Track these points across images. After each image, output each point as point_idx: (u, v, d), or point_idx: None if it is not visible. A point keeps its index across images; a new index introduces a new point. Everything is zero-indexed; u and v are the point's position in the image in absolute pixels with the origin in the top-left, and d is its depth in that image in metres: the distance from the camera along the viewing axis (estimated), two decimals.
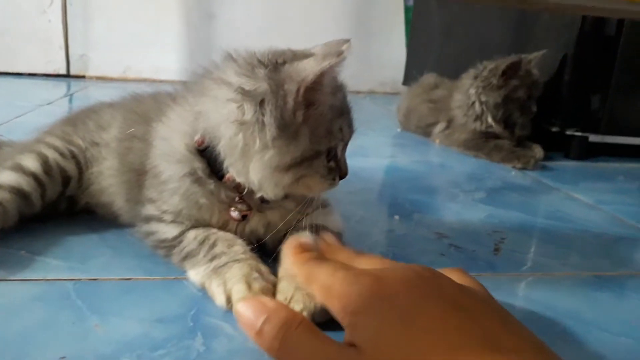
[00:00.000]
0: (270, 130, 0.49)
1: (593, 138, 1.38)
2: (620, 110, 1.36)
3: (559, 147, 1.42)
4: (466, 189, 1.05)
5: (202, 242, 0.56)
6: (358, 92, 2.63)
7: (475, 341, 0.32)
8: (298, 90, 0.48)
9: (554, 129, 1.39)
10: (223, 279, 0.51)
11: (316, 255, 0.43)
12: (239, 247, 0.55)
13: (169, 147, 0.57)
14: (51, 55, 2.40)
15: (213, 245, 0.55)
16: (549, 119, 1.38)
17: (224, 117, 0.51)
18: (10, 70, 2.35)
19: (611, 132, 1.38)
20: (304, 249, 0.43)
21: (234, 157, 0.52)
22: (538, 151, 1.31)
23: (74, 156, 0.69)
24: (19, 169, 0.65)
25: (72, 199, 0.71)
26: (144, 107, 0.69)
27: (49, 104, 1.68)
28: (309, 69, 0.48)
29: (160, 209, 0.58)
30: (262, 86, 0.49)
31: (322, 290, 0.39)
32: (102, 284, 0.55)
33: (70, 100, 1.85)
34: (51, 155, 0.68)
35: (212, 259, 0.54)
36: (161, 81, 2.47)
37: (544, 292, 0.61)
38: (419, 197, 0.96)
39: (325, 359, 0.35)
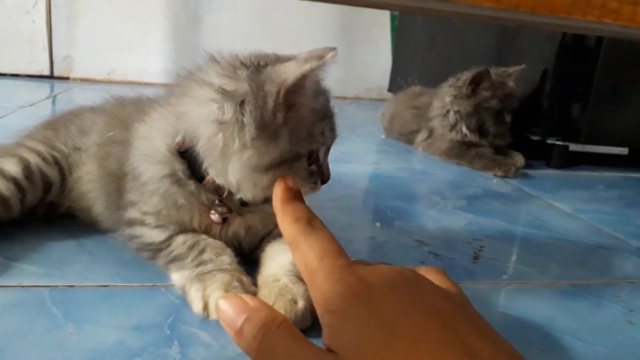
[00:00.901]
0: (250, 131, 0.48)
1: (573, 147, 1.41)
2: (600, 120, 1.38)
3: (540, 156, 1.44)
4: (447, 196, 1.06)
5: (191, 247, 0.56)
6: (344, 98, 2.65)
7: (455, 352, 0.32)
8: (278, 92, 0.47)
9: (535, 138, 1.41)
10: (204, 284, 0.52)
11: (307, 213, 0.41)
12: (227, 257, 0.55)
13: (150, 147, 0.57)
14: (34, 56, 2.38)
15: (202, 251, 0.56)
16: (530, 127, 1.40)
17: (204, 117, 0.50)
18: None
19: (591, 141, 1.41)
20: (295, 195, 0.43)
21: (213, 157, 0.51)
22: (519, 159, 1.33)
23: (56, 162, 0.68)
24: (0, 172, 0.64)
25: (52, 204, 0.70)
26: (126, 112, 0.68)
27: (31, 105, 1.66)
28: (289, 71, 0.47)
29: (141, 211, 0.58)
30: (243, 87, 0.49)
31: (305, 270, 0.38)
32: (79, 291, 0.54)
33: (53, 102, 1.83)
34: (33, 160, 0.67)
35: (198, 265, 0.54)
36: (146, 84, 2.46)
37: (520, 300, 0.62)
38: (401, 204, 0.96)
39: None
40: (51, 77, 2.41)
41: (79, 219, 0.71)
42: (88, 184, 0.67)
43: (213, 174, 0.52)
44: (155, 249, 0.57)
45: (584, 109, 1.36)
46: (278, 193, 0.43)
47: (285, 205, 0.42)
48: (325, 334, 0.35)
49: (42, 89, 2.10)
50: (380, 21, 2.61)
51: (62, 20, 2.37)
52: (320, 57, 0.49)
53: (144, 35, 2.43)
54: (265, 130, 0.49)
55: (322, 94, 0.55)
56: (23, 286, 0.54)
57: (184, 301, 0.54)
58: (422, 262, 0.70)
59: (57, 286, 0.54)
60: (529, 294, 0.64)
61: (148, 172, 0.57)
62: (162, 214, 0.57)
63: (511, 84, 1.32)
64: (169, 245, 0.57)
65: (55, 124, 0.74)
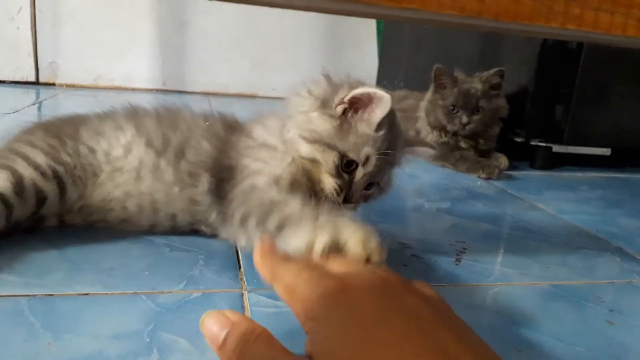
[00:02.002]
0: (316, 102, 0.63)
1: (557, 148, 1.42)
2: (583, 121, 1.40)
3: (525, 157, 1.46)
4: (432, 198, 1.06)
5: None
6: None
7: (435, 357, 0.32)
8: (345, 95, 0.62)
9: (519, 140, 1.43)
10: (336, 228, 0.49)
11: (283, 255, 0.43)
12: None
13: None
14: (19, 63, 2.36)
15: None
16: (514, 129, 1.41)
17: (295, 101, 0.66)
18: None
19: (574, 142, 1.42)
20: (271, 249, 0.43)
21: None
22: (503, 161, 1.34)
23: (56, 176, 0.66)
24: None
25: (41, 218, 0.69)
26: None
27: (15, 112, 1.65)
28: (361, 88, 0.61)
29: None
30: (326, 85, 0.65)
31: (286, 291, 0.39)
32: (59, 300, 0.54)
33: (39, 109, 1.82)
34: (28, 174, 0.64)
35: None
36: (133, 89, 2.45)
37: (502, 302, 0.63)
38: (385, 207, 0.96)
39: None
40: (37, 83, 2.39)
41: (64, 227, 0.70)
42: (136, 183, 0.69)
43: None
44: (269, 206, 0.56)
45: (567, 110, 1.38)
46: (258, 247, 0.44)
47: (264, 255, 0.43)
48: (307, 341, 0.35)
49: (28, 96, 2.09)
50: (366, 24, 2.62)
51: (47, 26, 2.35)
52: (380, 92, 0.61)
53: (130, 40, 2.42)
54: (326, 108, 0.63)
55: (388, 131, 0.64)
56: (1, 296, 0.53)
57: (164, 308, 0.53)
58: (405, 265, 0.70)
59: (36, 295, 0.54)
60: (511, 295, 0.65)
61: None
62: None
63: (477, 85, 1.32)
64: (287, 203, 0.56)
65: (59, 131, 0.72)
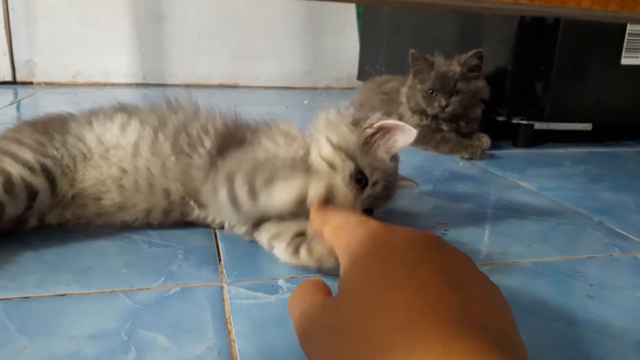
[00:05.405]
0: (347, 119, 0.72)
1: (538, 125, 1.42)
2: (563, 97, 1.40)
3: (507, 136, 1.46)
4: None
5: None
6: (315, 89, 2.64)
7: (449, 313, 0.29)
8: (378, 121, 0.70)
9: (501, 119, 1.43)
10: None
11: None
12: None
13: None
14: None
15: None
16: (495, 108, 1.41)
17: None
18: None
19: (555, 119, 1.42)
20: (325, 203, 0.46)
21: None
22: (485, 141, 1.34)
23: (45, 169, 0.66)
24: None
25: (22, 219, 0.68)
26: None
27: None
28: (393, 120, 0.71)
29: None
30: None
31: (334, 232, 0.40)
32: (34, 302, 0.53)
33: (17, 108, 1.79)
34: (16, 171, 0.64)
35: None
36: (112, 84, 2.42)
37: None
38: None
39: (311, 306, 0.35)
40: (14, 82, 2.35)
41: (41, 229, 0.69)
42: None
43: None
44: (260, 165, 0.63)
45: (547, 87, 1.38)
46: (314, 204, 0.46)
47: (319, 207, 0.45)
48: (340, 275, 0.35)
49: (5, 95, 2.05)
50: (346, 9, 2.60)
51: (21, 25, 2.31)
52: (409, 126, 0.70)
53: (107, 35, 2.39)
54: (355, 127, 0.69)
55: (395, 165, 0.73)
56: None
57: (142, 305, 0.53)
58: None
59: (11, 298, 0.53)
60: (492, 274, 0.64)
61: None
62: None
63: (455, 67, 1.31)
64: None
65: (46, 127, 0.72)
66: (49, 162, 0.67)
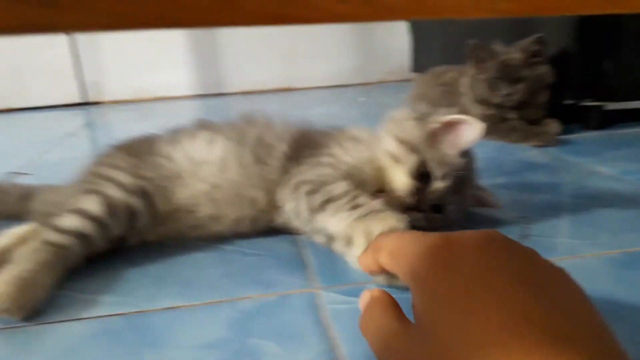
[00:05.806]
0: (413, 114, 0.73)
1: (610, 106, 1.37)
2: (635, 74, 1.34)
3: (576, 120, 1.41)
4: (488, 174, 1.04)
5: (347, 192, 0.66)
6: (368, 84, 2.64)
7: (535, 328, 0.28)
8: (445, 117, 0.70)
9: (569, 102, 1.38)
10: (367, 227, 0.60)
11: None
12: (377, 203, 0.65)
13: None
14: (64, 86, 2.46)
15: (356, 196, 0.65)
16: (562, 92, 1.37)
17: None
18: (24, 106, 2.41)
19: (627, 98, 1.36)
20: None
21: None
22: (554, 126, 1.30)
23: (142, 191, 0.71)
24: (82, 213, 0.66)
25: (123, 238, 0.72)
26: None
27: (71, 135, 1.72)
28: (459, 115, 0.70)
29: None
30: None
31: (391, 256, 0.39)
32: (148, 316, 0.57)
33: (92, 129, 1.89)
34: (114, 193, 0.69)
35: (353, 208, 0.63)
36: (174, 98, 2.51)
37: (574, 275, 0.62)
38: None
39: (390, 332, 0.35)
40: (84, 104, 2.49)
41: (140, 246, 0.74)
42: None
43: None
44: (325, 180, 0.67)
45: (616, 64, 1.32)
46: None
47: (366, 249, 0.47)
48: (412, 298, 0.35)
49: (77, 117, 2.17)
50: None
51: (86, 48, 2.44)
52: (476, 120, 0.69)
53: (165, 50, 2.48)
54: (420, 122, 0.71)
55: (465, 161, 0.71)
56: (99, 316, 0.57)
57: (246, 314, 0.56)
58: None
59: (128, 313, 0.58)
60: (582, 268, 0.64)
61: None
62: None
63: (517, 55, 1.28)
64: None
65: (135, 150, 0.78)
66: (144, 184, 0.72)
